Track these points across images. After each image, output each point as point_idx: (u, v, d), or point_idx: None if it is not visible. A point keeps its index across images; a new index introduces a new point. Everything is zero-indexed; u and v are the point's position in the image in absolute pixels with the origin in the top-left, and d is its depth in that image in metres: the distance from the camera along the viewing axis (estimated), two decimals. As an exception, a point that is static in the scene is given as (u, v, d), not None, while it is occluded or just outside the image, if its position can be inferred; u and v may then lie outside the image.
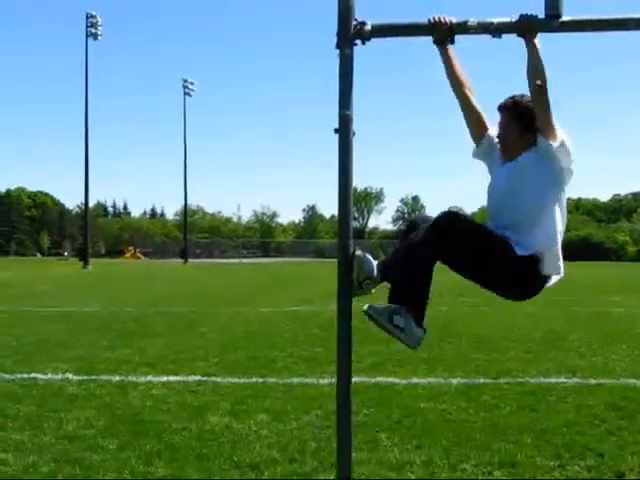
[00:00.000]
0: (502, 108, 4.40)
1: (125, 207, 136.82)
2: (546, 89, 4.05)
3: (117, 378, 8.95)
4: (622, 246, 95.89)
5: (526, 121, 4.23)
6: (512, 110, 4.30)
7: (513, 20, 3.92)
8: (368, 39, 3.96)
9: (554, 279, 4.49)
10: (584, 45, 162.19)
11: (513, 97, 4.36)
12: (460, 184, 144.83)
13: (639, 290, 27.46)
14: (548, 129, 4.13)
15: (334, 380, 3.92)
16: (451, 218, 4.18)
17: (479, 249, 4.19)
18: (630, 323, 15.41)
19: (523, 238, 4.20)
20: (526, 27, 3.93)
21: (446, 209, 4.38)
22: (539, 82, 4.01)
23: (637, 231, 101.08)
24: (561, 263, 4.38)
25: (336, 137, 3.89)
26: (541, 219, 4.24)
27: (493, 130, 4.50)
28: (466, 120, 4.50)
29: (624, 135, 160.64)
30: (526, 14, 3.91)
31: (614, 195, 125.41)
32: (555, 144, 4.12)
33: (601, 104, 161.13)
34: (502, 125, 4.40)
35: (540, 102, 4.09)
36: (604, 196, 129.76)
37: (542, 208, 4.24)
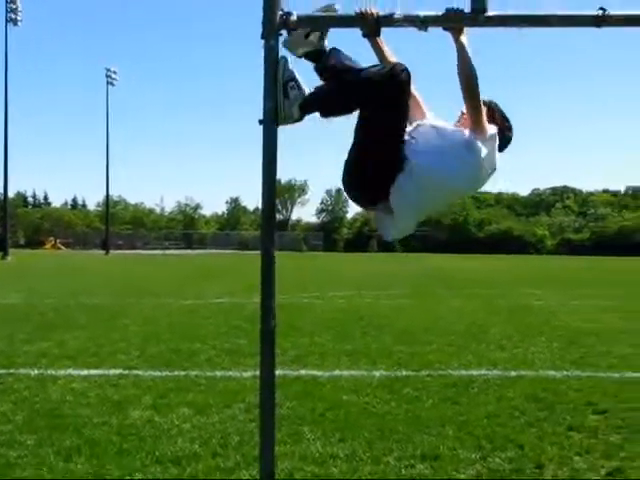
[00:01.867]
0: None
1: (46, 197, 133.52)
2: (476, 88, 4.07)
3: (36, 372, 8.76)
4: (541, 240, 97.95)
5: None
6: None
7: (439, 14, 3.92)
8: (294, 30, 3.91)
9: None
10: (505, 38, 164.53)
11: None
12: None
13: (557, 283, 27.99)
14: (478, 129, 4.14)
15: (257, 373, 3.88)
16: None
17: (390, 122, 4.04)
18: (549, 315, 15.67)
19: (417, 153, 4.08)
20: (452, 20, 3.93)
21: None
22: (466, 82, 4.06)
23: (555, 225, 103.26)
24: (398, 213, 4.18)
25: (261, 129, 3.86)
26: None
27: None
28: None
29: (543, 130, 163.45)
30: (452, 7, 3.91)
31: (533, 190, 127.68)
32: (483, 146, 4.14)
33: (520, 99, 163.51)
34: None
35: (470, 101, 4.10)
36: (524, 190, 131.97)
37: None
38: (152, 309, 16.14)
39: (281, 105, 3.90)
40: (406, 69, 3.96)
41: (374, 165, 4.05)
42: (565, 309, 17.20)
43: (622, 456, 5.73)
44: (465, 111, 4.19)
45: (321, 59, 4.16)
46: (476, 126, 4.14)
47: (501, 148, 4.35)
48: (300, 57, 4.11)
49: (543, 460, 5.62)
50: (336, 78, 4.10)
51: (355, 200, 4.30)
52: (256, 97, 3.88)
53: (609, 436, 6.28)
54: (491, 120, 4.24)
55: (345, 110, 4.11)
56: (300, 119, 4.00)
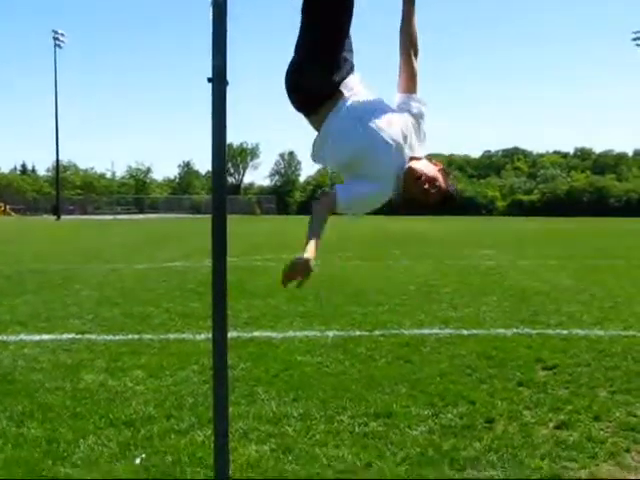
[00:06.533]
0: None
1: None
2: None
3: (-14, 338, 8.68)
4: (492, 201, 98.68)
5: None
6: None
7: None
8: (243, -12, 3.87)
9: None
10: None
11: None
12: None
13: (508, 244, 28.27)
14: (415, 90, 4.15)
15: (211, 335, 3.88)
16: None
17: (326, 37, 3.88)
18: (500, 275, 15.86)
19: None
20: None
21: None
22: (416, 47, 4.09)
23: (506, 186, 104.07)
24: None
25: (210, 88, 3.81)
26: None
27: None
28: None
29: (494, 93, 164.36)
30: None
31: (485, 152, 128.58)
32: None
33: (472, 61, 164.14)
34: None
35: (416, 61, 4.13)
36: (475, 152, 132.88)
37: None
38: (105, 274, 16.02)
39: None
40: None
41: (308, 71, 3.90)
42: (516, 269, 17.43)
43: (569, 409, 5.87)
44: (413, 72, 4.16)
45: None
46: (416, 89, 4.14)
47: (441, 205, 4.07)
48: None
49: (494, 415, 5.74)
50: None
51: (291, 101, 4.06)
52: (206, 55, 3.84)
53: (557, 391, 6.41)
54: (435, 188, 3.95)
55: None
56: None
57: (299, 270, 3.66)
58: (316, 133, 4.01)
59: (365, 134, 3.80)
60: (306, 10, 3.84)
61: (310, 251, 3.69)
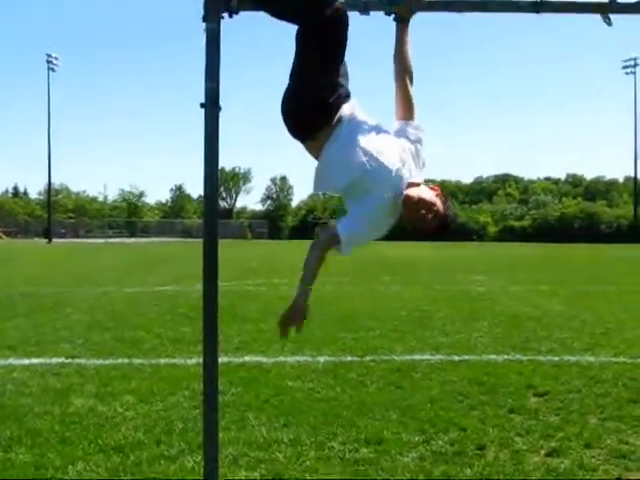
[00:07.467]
0: None
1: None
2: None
3: (-25, 362, 8.63)
4: (483, 227, 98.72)
5: None
6: None
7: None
8: (236, 12, 3.89)
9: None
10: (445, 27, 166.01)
11: None
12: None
13: (499, 269, 28.27)
14: (414, 117, 4.18)
15: (201, 360, 3.87)
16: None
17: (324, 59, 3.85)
18: (491, 301, 15.85)
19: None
20: (395, 2, 3.95)
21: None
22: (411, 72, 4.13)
23: (498, 212, 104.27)
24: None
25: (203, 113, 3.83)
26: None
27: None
28: None
29: (486, 119, 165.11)
30: None
31: (476, 178, 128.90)
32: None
33: (463, 88, 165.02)
34: None
35: (411, 92, 4.16)
36: (467, 178, 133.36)
37: None
38: (96, 298, 15.97)
39: None
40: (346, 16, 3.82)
41: (303, 96, 3.90)
42: (507, 295, 17.42)
43: (560, 436, 5.86)
44: (409, 98, 4.18)
45: None
46: (413, 115, 4.16)
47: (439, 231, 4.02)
48: None
49: (485, 441, 5.72)
50: None
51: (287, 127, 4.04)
52: (199, 80, 3.84)
53: (548, 417, 6.41)
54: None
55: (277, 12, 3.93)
56: None
57: (297, 317, 3.79)
58: (314, 161, 4.00)
59: (364, 160, 3.79)
60: (301, 36, 3.85)
61: (305, 295, 3.81)
